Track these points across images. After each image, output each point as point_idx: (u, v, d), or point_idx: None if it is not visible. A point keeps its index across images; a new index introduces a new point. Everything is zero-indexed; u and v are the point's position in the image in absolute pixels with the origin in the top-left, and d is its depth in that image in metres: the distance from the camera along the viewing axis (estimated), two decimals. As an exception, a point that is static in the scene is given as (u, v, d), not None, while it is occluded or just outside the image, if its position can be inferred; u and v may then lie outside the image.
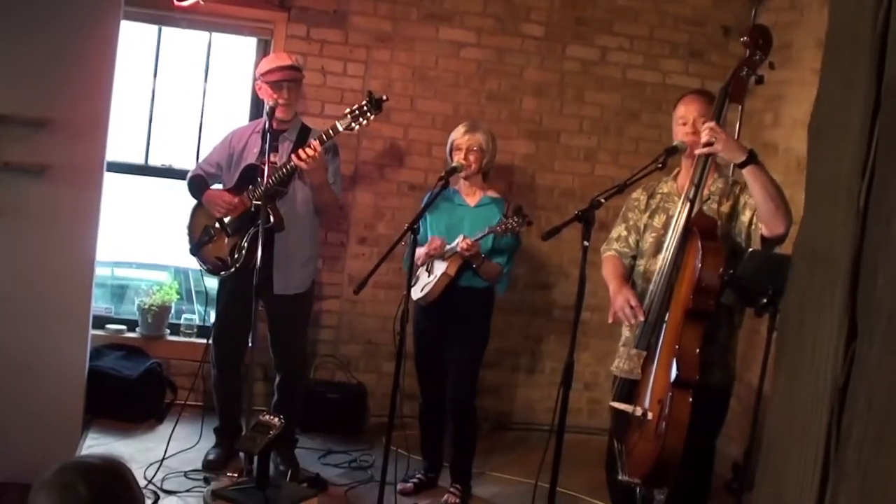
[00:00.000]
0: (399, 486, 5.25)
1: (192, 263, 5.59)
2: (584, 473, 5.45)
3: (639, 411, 3.96)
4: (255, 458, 3.70)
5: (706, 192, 4.17)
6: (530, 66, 6.63)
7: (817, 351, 1.29)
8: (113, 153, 5.68)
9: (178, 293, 6.53)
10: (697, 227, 3.94)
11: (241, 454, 5.30)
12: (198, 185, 5.43)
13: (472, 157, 5.25)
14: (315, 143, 5.07)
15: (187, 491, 5.04)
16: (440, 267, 5.22)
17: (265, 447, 3.65)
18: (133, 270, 7.46)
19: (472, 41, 6.55)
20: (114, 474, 2.23)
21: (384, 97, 5.11)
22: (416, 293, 5.24)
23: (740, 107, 4.59)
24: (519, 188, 6.66)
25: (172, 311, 6.50)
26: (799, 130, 5.93)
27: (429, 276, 5.28)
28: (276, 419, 3.73)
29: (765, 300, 3.83)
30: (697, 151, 4.02)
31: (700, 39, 6.80)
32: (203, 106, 6.44)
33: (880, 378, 1.18)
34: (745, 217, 4.05)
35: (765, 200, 3.84)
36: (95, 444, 5.51)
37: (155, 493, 4.38)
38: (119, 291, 7.22)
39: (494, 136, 5.44)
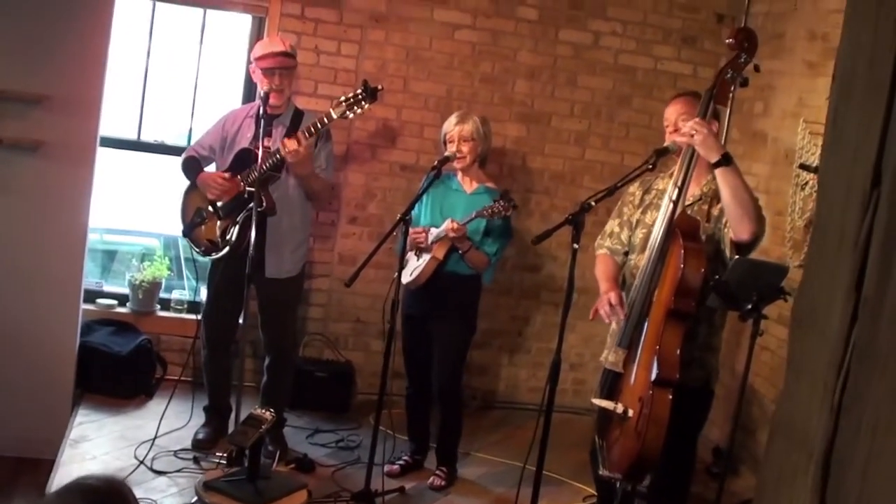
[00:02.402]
0: (386, 468, 5.32)
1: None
2: (568, 455, 5.56)
3: (620, 408, 4.03)
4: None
5: (699, 191, 4.23)
6: (524, 49, 6.65)
7: None
8: (106, 128, 5.71)
9: (168, 269, 6.56)
10: (680, 228, 3.99)
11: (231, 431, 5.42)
12: (191, 166, 5.45)
13: (465, 148, 5.28)
14: (300, 135, 5.08)
15: (177, 471, 5.10)
16: (429, 251, 5.28)
17: (256, 441, 3.71)
18: (123, 237, 7.48)
19: (466, 23, 6.56)
20: (115, 495, 2.28)
21: (379, 86, 5.13)
22: (406, 277, 5.29)
23: (728, 110, 4.65)
24: (510, 170, 6.71)
25: (163, 286, 6.54)
26: (788, 121, 5.98)
27: (417, 259, 5.34)
28: (268, 413, 3.80)
29: (749, 306, 3.90)
30: (678, 140, 4.07)
31: (693, 26, 6.82)
32: (196, 83, 6.44)
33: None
34: (725, 219, 4.11)
35: (732, 204, 3.90)
36: (86, 421, 5.57)
37: None
38: (109, 257, 7.25)
39: (487, 121, 5.47)
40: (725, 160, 3.90)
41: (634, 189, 4.51)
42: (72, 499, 2.22)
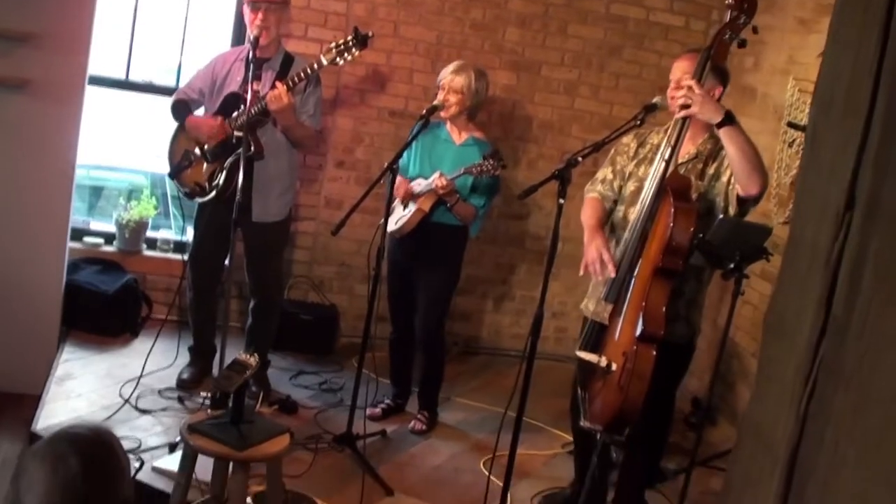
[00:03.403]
0: (367, 412, 5.37)
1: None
2: (548, 402, 5.62)
3: (604, 362, 4.07)
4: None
5: (694, 150, 4.25)
6: (515, -5, 6.62)
7: None
8: (94, 67, 5.68)
9: (155, 208, 6.57)
10: (671, 186, 4.01)
11: (214, 373, 5.47)
12: (180, 109, 5.43)
13: (452, 98, 5.27)
14: (281, 85, 5.07)
15: (162, 410, 5.17)
16: (415, 201, 5.30)
17: (240, 387, 3.76)
18: (110, 173, 7.46)
19: (458, -32, 6.52)
20: (103, 445, 2.33)
21: (370, 33, 5.10)
22: (391, 226, 5.31)
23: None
24: (499, 118, 6.71)
25: (150, 225, 6.55)
26: (778, 77, 5.99)
27: (403, 209, 5.36)
28: (253, 358, 3.83)
29: (732, 265, 3.95)
30: (675, 115, 4.08)
31: (686, -23, 6.80)
32: (186, 22, 6.40)
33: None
34: (725, 178, 4.13)
35: (740, 161, 3.91)
36: (72, 358, 5.61)
37: (140, 459, 4.50)
38: (95, 194, 7.24)
39: (485, 77, 5.45)
40: (728, 120, 3.91)
41: (629, 140, 4.51)
42: (61, 446, 2.27)
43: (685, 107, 3.97)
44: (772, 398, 1.32)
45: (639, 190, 4.29)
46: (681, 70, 4.28)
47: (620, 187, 4.46)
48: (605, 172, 4.56)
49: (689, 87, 3.96)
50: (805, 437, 1.25)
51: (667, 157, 4.05)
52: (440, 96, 5.31)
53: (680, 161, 4.18)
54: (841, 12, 1.32)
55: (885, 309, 1.15)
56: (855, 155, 1.21)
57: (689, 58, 4.32)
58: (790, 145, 5.60)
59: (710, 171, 4.20)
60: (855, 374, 1.18)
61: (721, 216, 4.02)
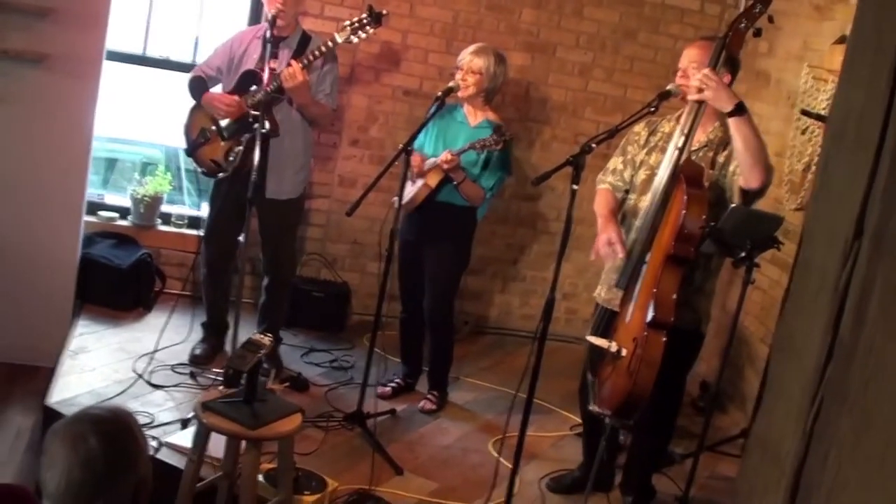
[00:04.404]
0: (378, 390, 5.44)
1: (183, 143, 5.64)
2: (558, 383, 5.65)
3: (614, 347, 4.11)
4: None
5: (705, 138, 4.27)
6: (532, -23, 6.63)
7: None
8: (111, 42, 5.70)
9: (170, 183, 6.60)
10: (684, 174, 4.04)
11: (227, 349, 5.52)
12: (197, 86, 5.46)
13: (469, 79, 5.29)
14: (296, 63, 5.10)
15: (175, 386, 5.21)
16: (423, 176, 5.33)
17: (254, 366, 3.80)
18: (125, 146, 7.49)
19: (475, -51, 6.52)
20: (122, 426, 2.38)
21: (384, 11, 5.14)
22: (403, 200, 5.34)
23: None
24: (513, 99, 6.72)
25: (164, 199, 6.59)
26: (792, 63, 5.99)
27: (412, 185, 5.39)
28: (267, 338, 3.87)
29: (743, 254, 3.98)
30: (689, 97, 4.10)
31: (702, -40, 6.79)
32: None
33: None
34: (732, 167, 4.16)
35: (744, 152, 3.94)
36: (86, 332, 5.66)
37: (157, 440, 4.54)
38: (109, 166, 7.27)
39: (504, 61, 5.46)
40: (739, 110, 3.93)
41: (640, 129, 4.53)
42: (81, 427, 2.32)
43: (700, 90, 3.98)
44: (779, 414, 1.36)
45: (650, 178, 4.32)
46: (688, 59, 4.31)
47: (632, 176, 4.48)
48: (615, 162, 4.59)
49: (706, 74, 3.98)
50: (810, 455, 1.29)
51: (680, 145, 4.07)
52: (458, 77, 5.33)
53: (692, 149, 4.19)
54: (853, 51, 1.35)
55: (887, 341, 1.18)
56: (864, 186, 1.24)
57: (700, 46, 4.35)
58: (803, 132, 5.61)
59: (721, 159, 4.23)
60: (859, 398, 1.22)
61: (732, 205, 4.04)
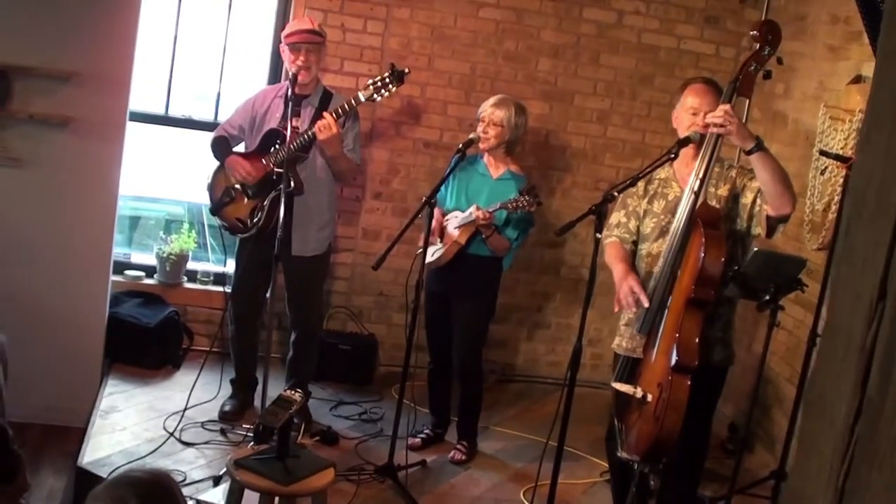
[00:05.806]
0: (408, 441, 5.45)
1: (206, 199, 5.71)
2: (586, 430, 5.64)
3: (639, 393, 4.13)
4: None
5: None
6: (548, 27, 6.70)
7: None
8: (134, 103, 5.79)
9: (195, 241, 6.68)
10: (701, 217, 4.07)
11: (256, 405, 5.55)
12: (221, 146, 5.55)
13: (491, 132, 5.35)
14: (329, 115, 5.17)
15: (205, 443, 5.25)
16: (452, 234, 5.37)
17: (286, 423, 3.84)
18: (148, 203, 7.59)
19: (490, 1, 6.60)
20: (162, 488, 2.42)
21: (406, 70, 5.22)
22: (428, 257, 5.38)
23: (747, 101, 4.69)
24: (532, 148, 6.78)
25: (190, 257, 6.65)
26: (809, 104, 6.03)
27: (440, 241, 5.44)
28: (297, 394, 3.92)
29: (767, 297, 4.00)
30: (711, 130, 4.09)
31: (716, 5, 6.85)
32: (223, 59, 6.52)
33: None
34: (747, 199, 4.18)
35: (773, 184, 3.97)
36: (115, 392, 5.71)
37: (192, 498, 4.57)
38: (133, 224, 7.36)
39: (525, 112, 5.52)
40: (760, 145, 3.98)
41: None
42: (121, 490, 2.36)
43: (721, 127, 4.01)
44: (811, 471, 1.39)
45: (658, 225, 4.34)
46: (707, 105, 4.28)
47: (637, 227, 4.50)
48: (617, 217, 4.59)
49: (728, 112, 4.01)
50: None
51: (696, 188, 4.09)
52: (479, 129, 5.38)
53: (693, 190, 4.20)
54: (871, 123, 1.40)
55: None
56: (886, 251, 1.28)
57: (711, 92, 4.33)
58: (822, 172, 5.63)
59: (723, 192, 4.26)
60: (887, 455, 1.25)
61: (755, 249, 4.06)
